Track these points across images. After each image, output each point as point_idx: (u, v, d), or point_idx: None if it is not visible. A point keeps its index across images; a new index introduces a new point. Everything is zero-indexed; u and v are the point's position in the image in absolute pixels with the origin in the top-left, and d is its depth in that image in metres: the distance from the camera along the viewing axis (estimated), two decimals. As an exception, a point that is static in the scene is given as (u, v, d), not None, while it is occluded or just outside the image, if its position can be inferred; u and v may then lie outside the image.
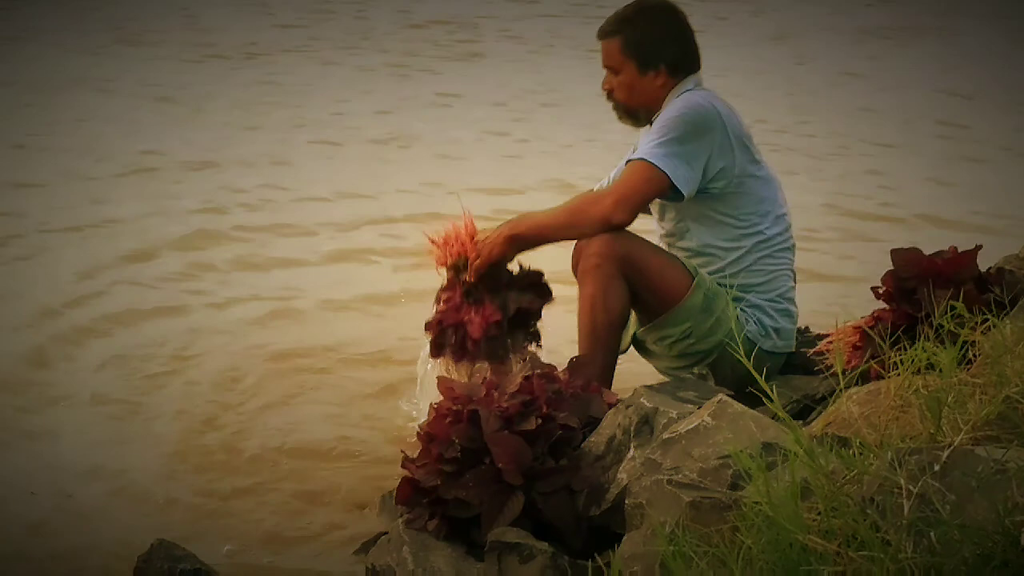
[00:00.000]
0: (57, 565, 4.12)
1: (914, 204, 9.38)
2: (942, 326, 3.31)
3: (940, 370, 3.02)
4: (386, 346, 6.10)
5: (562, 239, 4.62)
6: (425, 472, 3.68)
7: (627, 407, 3.67)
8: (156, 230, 7.92)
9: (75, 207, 8.32)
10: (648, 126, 4.72)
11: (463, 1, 18.79)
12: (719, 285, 4.59)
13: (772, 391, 2.72)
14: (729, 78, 12.31)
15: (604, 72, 4.80)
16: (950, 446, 2.66)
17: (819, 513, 2.57)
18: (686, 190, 4.53)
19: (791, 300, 4.74)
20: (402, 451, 3.81)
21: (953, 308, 3.37)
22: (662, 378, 4.67)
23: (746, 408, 3.26)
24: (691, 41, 4.77)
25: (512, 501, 3.56)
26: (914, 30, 18.87)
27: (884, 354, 3.30)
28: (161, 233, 7.86)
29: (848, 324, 4.20)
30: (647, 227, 4.90)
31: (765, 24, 18.89)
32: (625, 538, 3.17)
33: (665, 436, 3.29)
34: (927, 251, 4.36)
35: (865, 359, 4.02)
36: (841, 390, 3.10)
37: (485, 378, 3.85)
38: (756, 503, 2.61)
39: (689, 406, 3.59)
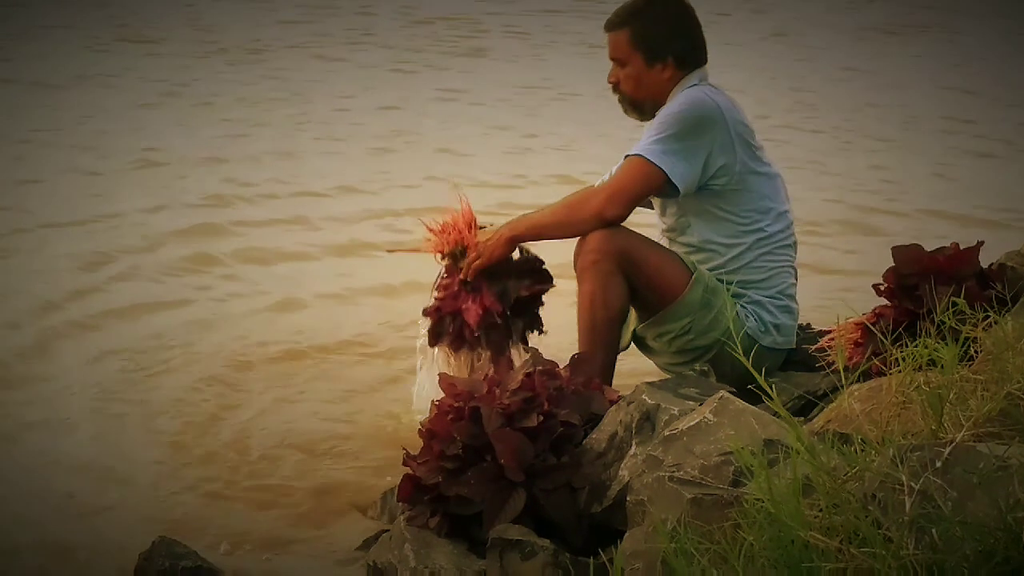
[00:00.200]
0: (57, 562, 4.12)
1: (917, 199, 9.39)
2: (943, 322, 3.30)
3: (942, 366, 3.02)
4: (388, 340, 6.11)
5: (560, 237, 4.62)
6: (426, 469, 3.68)
7: (628, 404, 3.66)
8: (159, 225, 7.94)
9: (78, 202, 8.33)
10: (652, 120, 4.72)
11: (466, -3, 18.83)
12: (719, 281, 4.59)
13: (772, 389, 2.72)
14: (731, 74, 12.28)
15: (610, 65, 4.79)
16: (952, 442, 2.66)
17: (821, 510, 2.56)
18: (683, 187, 4.53)
19: (792, 297, 4.74)
20: (403, 448, 3.81)
21: (954, 304, 3.36)
22: (663, 375, 4.67)
23: (747, 405, 3.25)
24: (699, 34, 4.77)
25: (514, 498, 3.56)
26: (915, 27, 18.88)
27: (886, 350, 3.30)
28: (164, 228, 7.87)
29: (849, 320, 4.20)
30: (650, 221, 4.91)
31: (766, 21, 18.89)
32: (627, 535, 3.17)
33: (666, 433, 3.28)
34: (930, 245, 4.36)
35: (866, 355, 4.01)
36: (843, 386, 3.09)
37: (486, 375, 3.84)
38: (758, 500, 2.61)
39: (690, 403, 3.59)
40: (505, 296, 4.63)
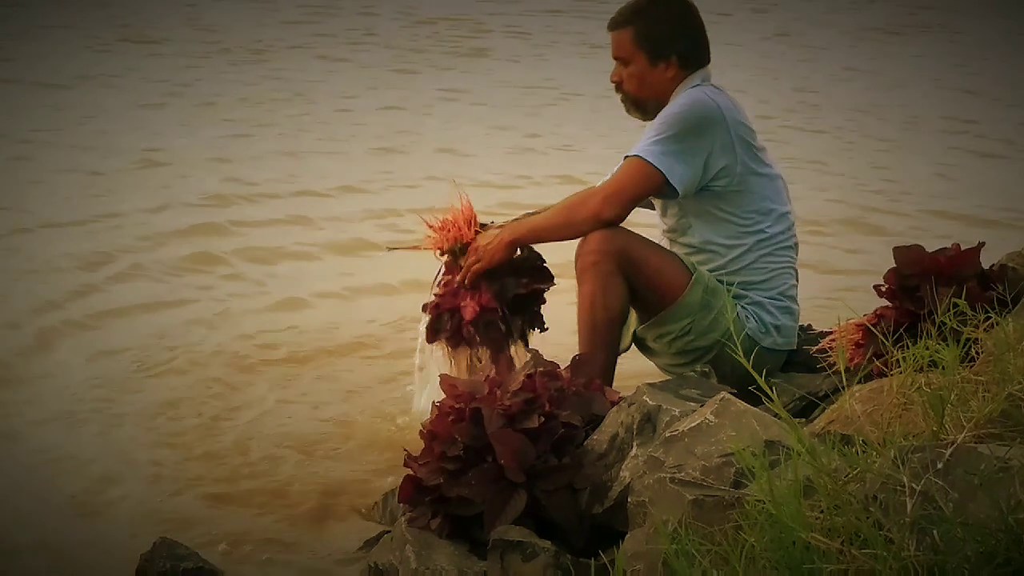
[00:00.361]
0: (58, 563, 4.12)
1: (919, 198, 9.40)
2: (945, 323, 3.30)
3: (943, 368, 3.01)
4: (390, 340, 6.12)
5: (559, 238, 4.62)
6: (428, 470, 3.67)
7: (629, 405, 3.66)
8: (161, 224, 7.95)
9: (80, 202, 8.34)
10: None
11: (468, -3, 18.85)
12: (719, 282, 4.58)
13: (773, 390, 2.71)
14: (733, 74, 12.31)
15: (612, 64, 4.79)
16: (953, 444, 2.66)
17: (822, 511, 2.56)
18: (681, 188, 4.52)
19: (792, 298, 4.73)
20: (404, 449, 3.81)
21: (956, 305, 3.36)
22: (664, 376, 4.67)
23: (748, 406, 3.25)
24: (702, 34, 4.77)
25: (515, 499, 3.56)
26: (916, 28, 18.89)
27: (887, 352, 3.30)
28: (166, 227, 7.89)
29: (851, 321, 4.19)
30: (650, 222, 4.91)
31: (768, 21, 18.91)
32: (628, 536, 3.16)
33: (668, 434, 3.28)
34: (932, 245, 4.36)
35: (868, 357, 4.01)
36: (844, 388, 3.09)
37: (487, 376, 3.83)
38: (759, 501, 2.60)
39: (692, 404, 3.58)
40: (503, 293, 4.63)
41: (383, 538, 3.81)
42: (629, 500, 3.27)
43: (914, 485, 2.52)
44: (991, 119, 12.50)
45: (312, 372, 5.76)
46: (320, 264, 7.49)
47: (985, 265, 4.27)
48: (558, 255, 4.76)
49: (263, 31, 15.88)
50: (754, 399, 3.19)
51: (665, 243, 4.76)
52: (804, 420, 3.74)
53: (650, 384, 3.84)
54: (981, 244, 4.28)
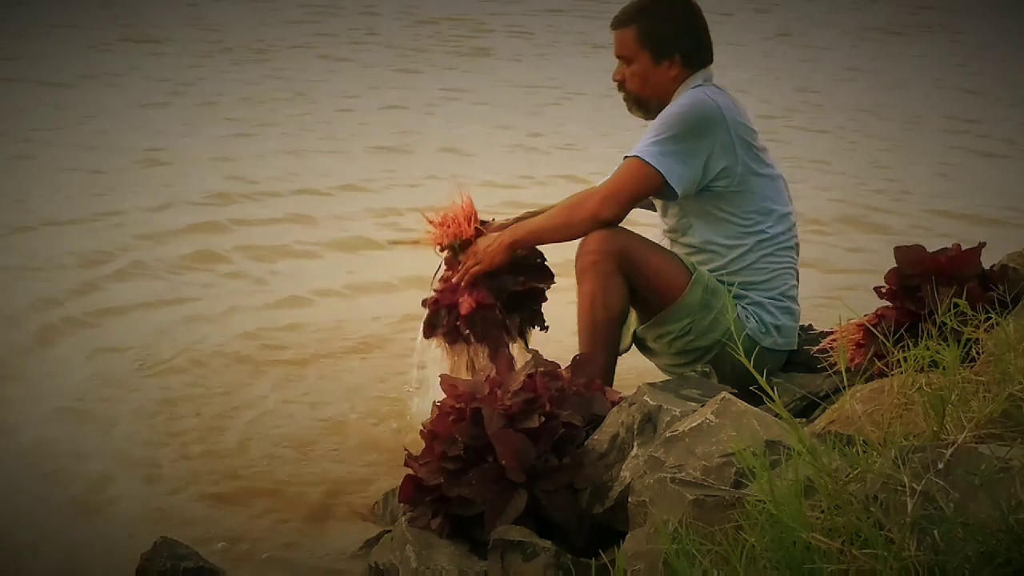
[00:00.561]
0: (58, 562, 4.12)
1: (920, 198, 9.42)
2: (945, 324, 3.29)
3: (943, 368, 3.01)
4: (391, 339, 6.12)
5: (559, 240, 4.62)
6: (428, 470, 3.67)
7: (630, 405, 3.66)
8: (162, 223, 7.95)
9: (81, 200, 8.35)
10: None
11: (469, -3, 18.86)
12: (719, 282, 4.58)
13: (773, 390, 2.71)
14: (736, 74, 12.32)
15: (615, 63, 4.78)
16: (953, 444, 2.65)
17: (822, 511, 2.56)
18: (680, 189, 4.52)
19: (793, 298, 4.73)
20: (405, 449, 3.81)
21: (956, 306, 3.36)
22: (664, 376, 4.67)
23: (749, 406, 3.25)
24: (705, 33, 4.76)
25: (515, 499, 3.56)
26: (917, 28, 18.90)
27: (887, 352, 3.30)
28: (167, 226, 7.89)
29: (851, 322, 4.19)
30: (650, 222, 4.91)
31: (770, 21, 18.92)
32: (628, 536, 3.16)
33: (668, 434, 3.28)
34: (933, 244, 4.35)
35: (868, 357, 4.01)
36: (844, 388, 3.09)
37: (488, 376, 3.83)
38: (759, 501, 2.60)
39: (692, 404, 3.58)
40: (499, 290, 4.64)
41: (383, 538, 3.81)
42: (629, 500, 3.27)
43: (915, 485, 2.52)
44: (992, 119, 12.51)
45: (313, 371, 5.76)
46: (321, 262, 7.50)
47: (986, 265, 4.27)
48: (559, 254, 4.76)
49: (265, 31, 15.89)
50: (755, 399, 3.19)
51: (666, 243, 4.75)
52: (805, 420, 3.73)
53: (651, 384, 3.84)
54: (982, 244, 4.27)
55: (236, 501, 4.53)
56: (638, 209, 4.71)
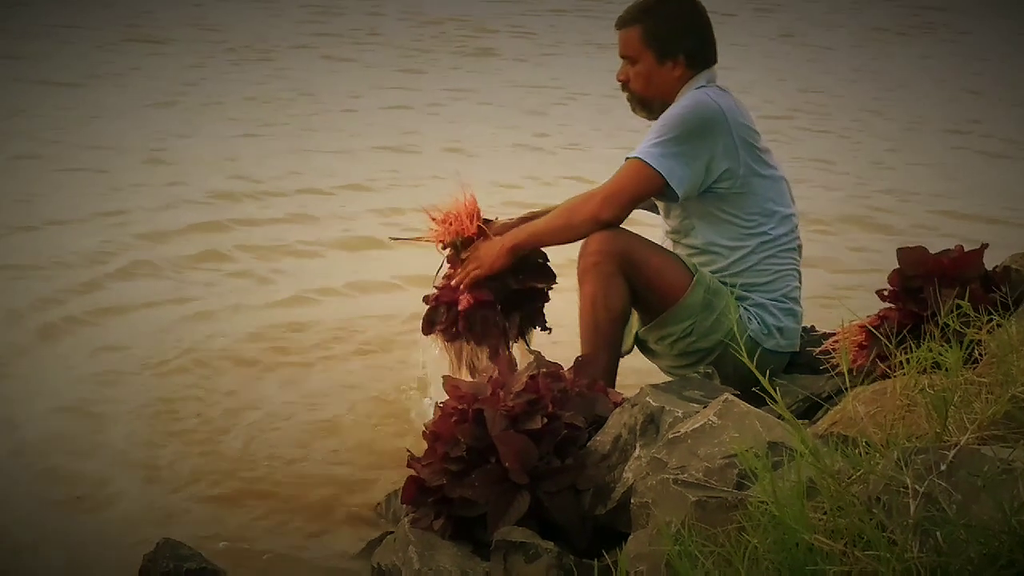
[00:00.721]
0: (59, 563, 4.12)
1: (923, 197, 9.42)
2: (948, 325, 3.30)
3: (946, 369, 3.01)
4: (394, 338, 6.12)
5: (560, 242, 4.62)
6: (431, 471, 3.67)
7: (632, 406, 3.65)
8: (166, 222, 7.95)
9: (85, 200, 8.34)
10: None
11: (473, -2, 18.88)
12: (722, 283, 4.58)
13: (775, 391, 2.71)
14: (739, 74, 12.32)
15: (619, 63, 4.78)
16: (956, 445, 2.65)
17: (825, 513, 2.56)
18: (681, 191, 4.51)
19: (795, 300, 4.72)
20: (407, 450, 3.81)
21: (959, 307, 3.36)
22: (667, 377, 4.66)
23: (752, 407, 3.25)
24: (709, 34, 4.76)
25: (518, 500, 3.55)
26: (919, 28, 18.91)
27: (890, 353, 3.30)
28: (171, 225, 7.89)
29: (854, 323, 4.19)
30: (652, 222, 4.91)
31: (773, 22, 18.93)
32: (631, 537, 3.16)
33: (671, 435, 3.28)
34: (936, 244, 4.36)
35: (871, 358, 4.00)
36: (847, 389, 3.09)
37: (490, 377, 3.83)
38: (762, 502, 2.60)
39: (695, 405, 3.58)
40: (498, 289, 4.64)
41: (386, 539, 3.81)
42: (632, 501, 3.27)
43: (917, 487, 2.52)
44: (995, 119, 12.52)
45: (316, 371, 5.76)
46: (324, 262, 7.50)
47: (988, 266, 4.27)
48: (560, 254, 4.76)
49: (268, 31, 15.89)
50: (757, 400, 3.19)
51: (668, 244, 4.75)
52: (807, 422, 3.72)
53: (653, 385, 3.84)
54: (984, 246, 4.27)
55: (238, 502, 4.53)
56: (640, 210, 4.70)
